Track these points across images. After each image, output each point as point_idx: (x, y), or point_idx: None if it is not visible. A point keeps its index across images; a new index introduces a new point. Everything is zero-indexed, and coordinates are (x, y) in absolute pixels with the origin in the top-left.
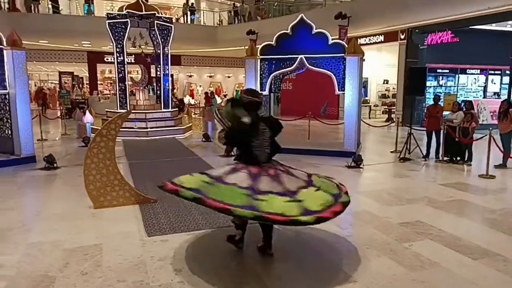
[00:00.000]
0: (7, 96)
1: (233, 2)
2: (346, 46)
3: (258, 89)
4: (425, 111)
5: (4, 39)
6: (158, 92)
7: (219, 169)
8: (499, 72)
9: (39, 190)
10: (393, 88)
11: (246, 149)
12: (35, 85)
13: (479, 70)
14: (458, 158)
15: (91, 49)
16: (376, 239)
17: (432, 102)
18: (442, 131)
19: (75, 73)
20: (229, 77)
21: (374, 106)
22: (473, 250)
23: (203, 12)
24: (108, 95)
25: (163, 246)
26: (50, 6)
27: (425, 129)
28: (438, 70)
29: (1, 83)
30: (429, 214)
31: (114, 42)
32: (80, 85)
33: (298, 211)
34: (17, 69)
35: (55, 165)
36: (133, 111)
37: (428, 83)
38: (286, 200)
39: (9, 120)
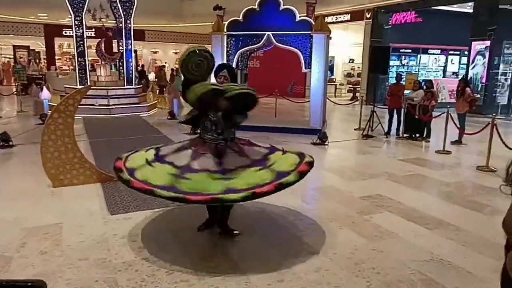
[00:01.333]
0: None
1: None
2: (313, 23)
3: None
4: (388, 89)
5: None
6: (121, 68)
7: (174, 145)
8: (458, 52)
9: None
10: (358, 67)
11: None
12: None
13: (439, 51)
14: (417, 135)
15: (48, 22)
16: (338, 213)
17: (395, 81)
18: (403, 109)
19: (31, 47)
20: None
21: (340, 84)
22: (429, 221)
23: None
24: (67, 71)
25: (126, 224)
26: None
27: (387, 107)
28: (401, 50)
29: None
30: (389, 188)
31: (72, 14)
32: (37, 60)
33: (273, 176)
34: None
35: (10, 143)
36: (94, 87)
37: (391, 63)
38: (256, 169)
39: None
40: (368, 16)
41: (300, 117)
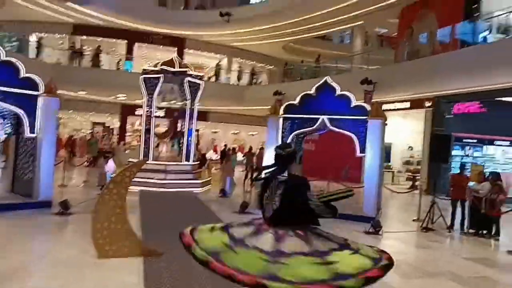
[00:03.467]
0: (34, 140)
1: (262, 64)
2: (369, 109)
3: None
4: (450, 179)
5: (42, 87)
6: (181, 145)
7: (242, 227)
8: None
9: (47, 235)
10: (418, 155)
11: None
12: (68, 134)
13: (508, 142)
14: (485, 231)
15: (125, 102)
16: None
17: (458, 171)
18: (467, 201)
19: (106, 124)
20: (253, 135)
21: (397, 172)
22: None
23: (233, 73)
24: (134, 146)
25: None
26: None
27: (450, 198)
28: (465, 140)
29: (32, 127)
30: None
31: (146, 95)
32: (110, 135)
33: (328, 275)
34: (47, 115)
35: (69, 211)
36: (154, 162)
37: (454, 152)
38: (312, 261)
39: (32, 164)
40: (429, 104)
41: (353, 203)
